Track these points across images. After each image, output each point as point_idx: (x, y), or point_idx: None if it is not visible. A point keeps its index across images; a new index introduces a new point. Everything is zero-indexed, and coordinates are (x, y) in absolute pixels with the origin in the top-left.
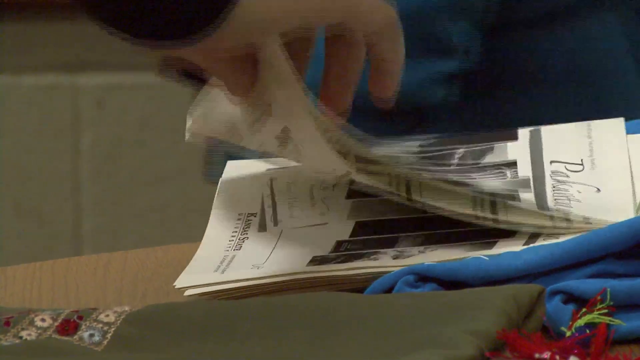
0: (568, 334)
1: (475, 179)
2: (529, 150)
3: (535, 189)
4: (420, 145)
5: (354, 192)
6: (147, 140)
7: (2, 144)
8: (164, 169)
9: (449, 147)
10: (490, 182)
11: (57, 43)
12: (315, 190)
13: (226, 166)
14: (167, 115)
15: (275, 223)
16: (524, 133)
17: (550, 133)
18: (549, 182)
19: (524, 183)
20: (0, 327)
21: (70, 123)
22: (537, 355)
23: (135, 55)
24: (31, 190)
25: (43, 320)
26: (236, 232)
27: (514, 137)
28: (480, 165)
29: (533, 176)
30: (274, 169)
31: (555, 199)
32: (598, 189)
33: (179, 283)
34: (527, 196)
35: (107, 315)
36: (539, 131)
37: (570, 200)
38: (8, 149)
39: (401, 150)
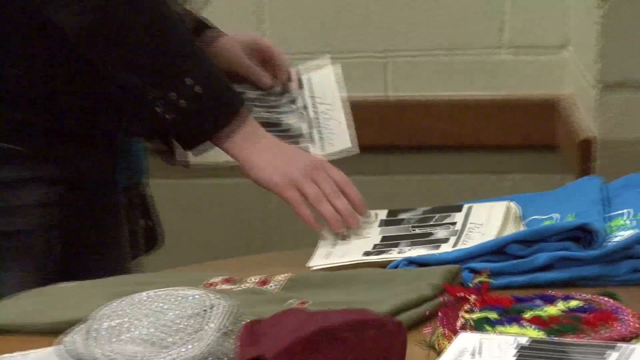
0: (471, 286)
1: (436, 229)
2: (463, 217)
3: (458, 236)
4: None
5: (382, 224)
6: None
7: None
8: None
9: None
10: (442, 231)
11: None
12: (363, 242)
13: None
14: None
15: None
16: (466, 207)
17: (477, 208)
18: (466, 230)
19: (454, 233)
20: (231, 282)
21: None
22: (458, 294)
23: None
24: None
25: (251, 280)
26: (331, 244)
27: (460, 210)
28: (440, 223)
29: (460, 230)
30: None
31: (459, 238)
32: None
33: (310, 264)
34: (452, 240)
35: (281, 277)
36: (472, 207)
37: (461, 238)
38: None
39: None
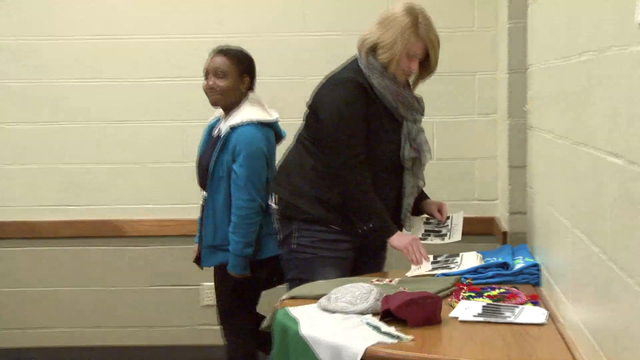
0: (464, 283)
1: (454, 264)
2: (460, 258)
3: (458, 265)
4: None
5: (431, 262)
6: None
7: None
8: None
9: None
10: (452, 264)
11: None
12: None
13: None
14: None
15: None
16: (460, 254)
17: (465, 255)
18: (461, 263)
19: (457, 265)
20: (379, 280)
21: None
22: (460, 286)
23: None
24: None
25: (385, 280)
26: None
27: (458, 255)
28: (452, 261)
29: (459, 263)
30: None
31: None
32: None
33: (407, 274)
34: (456, 267)
35: (397, 279)
36: (463, 255)
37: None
38: None
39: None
